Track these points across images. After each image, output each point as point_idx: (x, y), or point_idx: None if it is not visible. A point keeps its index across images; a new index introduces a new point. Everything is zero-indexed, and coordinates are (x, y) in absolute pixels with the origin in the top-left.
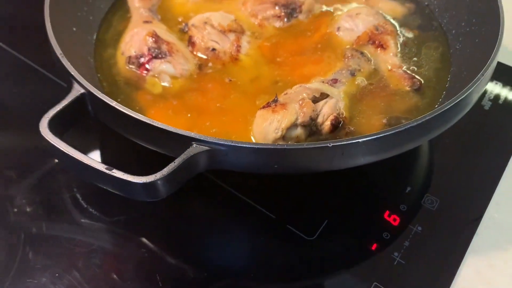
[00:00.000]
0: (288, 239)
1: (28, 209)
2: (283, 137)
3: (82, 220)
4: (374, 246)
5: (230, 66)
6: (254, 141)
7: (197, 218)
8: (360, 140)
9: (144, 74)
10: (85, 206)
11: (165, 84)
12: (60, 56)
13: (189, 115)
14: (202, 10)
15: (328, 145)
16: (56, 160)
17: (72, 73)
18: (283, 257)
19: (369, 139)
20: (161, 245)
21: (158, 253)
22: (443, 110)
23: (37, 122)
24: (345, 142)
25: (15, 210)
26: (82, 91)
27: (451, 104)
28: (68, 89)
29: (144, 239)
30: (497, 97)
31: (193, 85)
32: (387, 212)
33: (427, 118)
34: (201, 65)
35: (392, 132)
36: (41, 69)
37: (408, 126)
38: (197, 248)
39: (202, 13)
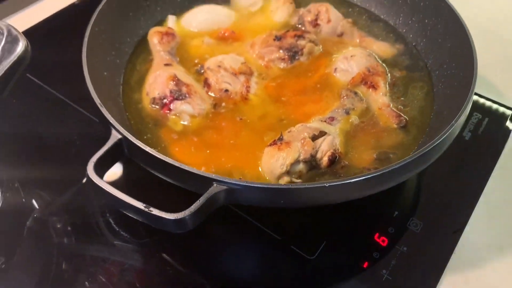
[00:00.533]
0: (292, 258)
1: (66, 231)
2: (287, 172)
3: (115, 242)
4: (365, 264)
5: (241, 105)
6: (262, 174)
7: (214, 239)
8: (351, 181)
9: (167, 113)
10: (117, 229)
11: (185, 123)
12: (99, 106)
13: (207, 151)
14: (215, 52)
15: (325, 185)
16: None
17: (111, 121)
18: (287, 272)
19: (359, 180)
20: (183, 262)
21: (181, 270)
22: (421, 153)
23: (74, 157)
24: (338, 183)
25: (55, 232)
26: (120, 137)
27: (428, 149)
28: (107, 134)
29: (168, 258)
30: (476, 127)
31: (209, 123)
32: (377, 234)
33: (408, 161)
34: (215, 104)
35: (379, 173)
36: (79, 107)
37: (392, 168)
38: (214, 264)
39: (215, 56)
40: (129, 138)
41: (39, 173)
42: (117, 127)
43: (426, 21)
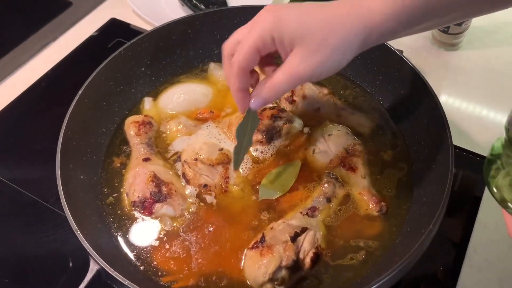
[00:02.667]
0: None
1: None
2: (270, 279)
3: None
4: None
5: (221, 198)
6: (246, 278)
7: None
8: None
9: (147, 216)
10: None
11: (167, 227)
12: (76, 233)
13: (190, 256)
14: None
15: None
16: None
17: (89, 252)
18: None
19: None
20: None
21: None
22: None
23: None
24: None
25: None
26: (98, 268)
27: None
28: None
29: None
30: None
31: (191, 223)
32: None
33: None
34: (196, 198)
35: None
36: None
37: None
38: None
39: (192, 145)
40: (107, 271)
41: None
42: (95, 257)
43: (402, 92)
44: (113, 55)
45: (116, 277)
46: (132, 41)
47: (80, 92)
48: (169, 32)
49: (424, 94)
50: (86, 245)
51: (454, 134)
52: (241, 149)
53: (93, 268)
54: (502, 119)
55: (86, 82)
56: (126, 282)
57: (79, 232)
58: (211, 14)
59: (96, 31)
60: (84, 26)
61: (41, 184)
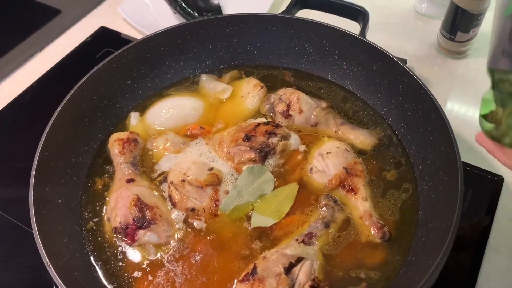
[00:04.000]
0: None
1: None
2: None
3: None
4: None
5: (210, 223)
6: None
7: None
8: None
9: (130, 243)
10: None
11: (151, 257)
12: (48, 267)
13: (177, 287)
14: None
15: None
16: None
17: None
18: None
19: None
20: None
21: None
22: None
23: None
24: None
25: None
26: None
27: None
28: None
29: None
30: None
31: (177, 252)
32: None
33: None
34: (183, 224)
35: None
36: None
37: None
38: None
39: (179, 164)
40: None
41: None
42: None
43: (406, 105)
44: (95, 68)
45: None
46: (116, 53)
47: (59, 109)
48: (156, 43)
49: (430, 108)
50: (58, 281)
51: (463, 151)
52: (236, 199)
53: None
54: None
55: (66, 98)
56: None
57: (50, 266)
58: (203, 23)
59: (84, 41)
60: (73, 35)
61: (23, 205)
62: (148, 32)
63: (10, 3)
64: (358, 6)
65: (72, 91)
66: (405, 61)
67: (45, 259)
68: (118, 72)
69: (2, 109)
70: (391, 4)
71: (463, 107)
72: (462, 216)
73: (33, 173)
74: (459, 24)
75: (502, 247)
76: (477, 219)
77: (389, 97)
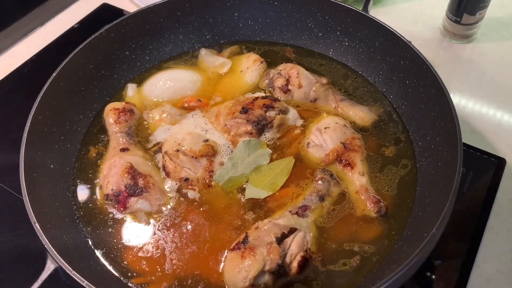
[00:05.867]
0: None
1: None
2: (251, 285)
3: None
4: None
5: (204, 193)
6: (225, 284)
7: None
8: None
9: (121, 211)
10: None
11: (142, 224)
12: (34, 225)
13: (166, 257)
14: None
15: None
16: None
17: (47, 248)
18: None
19: None
20: None
21: None
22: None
23: None
24: None
25: None
26: (55, 266)
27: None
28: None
29: None
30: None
31: (168, 220)
32: None
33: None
34: (177, 193)
35: None
36: None
37: None
38: None
39: (174, 135)
40: (65, 269)
41: None
42: (52, 254)
43: (407, 82)
44: (93, 36)
45: (74, 277)
46: (114, 22)
47: (54, 74)
48: (156, 14)
49: (432, 85)
50: (43, 239)
51: (465, 133)
52: (231, 171)
53: (49, 267)
54: None
55: (62, 64)
56: (85, 283)
57: (37, 224)
58: None
59: (85, 17)
60: (74, 11)
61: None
62: None
63: None
64: None
65: (68, 58)
66: (409, 43)
67: (32, 218)
68: (116, 42)
69: (0, 80)
70: None
71: (467, 91)
72: (462, 198)
73: (25, 135)
74: (465, 6)
75: (501, 229)
76: (477, 200)
77: (391, 73)
